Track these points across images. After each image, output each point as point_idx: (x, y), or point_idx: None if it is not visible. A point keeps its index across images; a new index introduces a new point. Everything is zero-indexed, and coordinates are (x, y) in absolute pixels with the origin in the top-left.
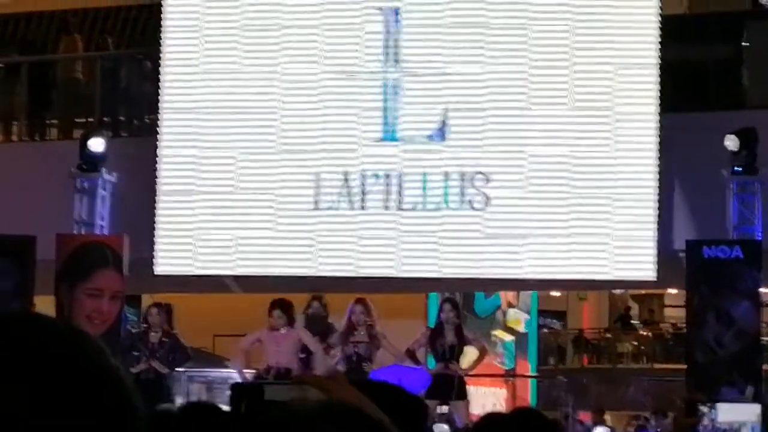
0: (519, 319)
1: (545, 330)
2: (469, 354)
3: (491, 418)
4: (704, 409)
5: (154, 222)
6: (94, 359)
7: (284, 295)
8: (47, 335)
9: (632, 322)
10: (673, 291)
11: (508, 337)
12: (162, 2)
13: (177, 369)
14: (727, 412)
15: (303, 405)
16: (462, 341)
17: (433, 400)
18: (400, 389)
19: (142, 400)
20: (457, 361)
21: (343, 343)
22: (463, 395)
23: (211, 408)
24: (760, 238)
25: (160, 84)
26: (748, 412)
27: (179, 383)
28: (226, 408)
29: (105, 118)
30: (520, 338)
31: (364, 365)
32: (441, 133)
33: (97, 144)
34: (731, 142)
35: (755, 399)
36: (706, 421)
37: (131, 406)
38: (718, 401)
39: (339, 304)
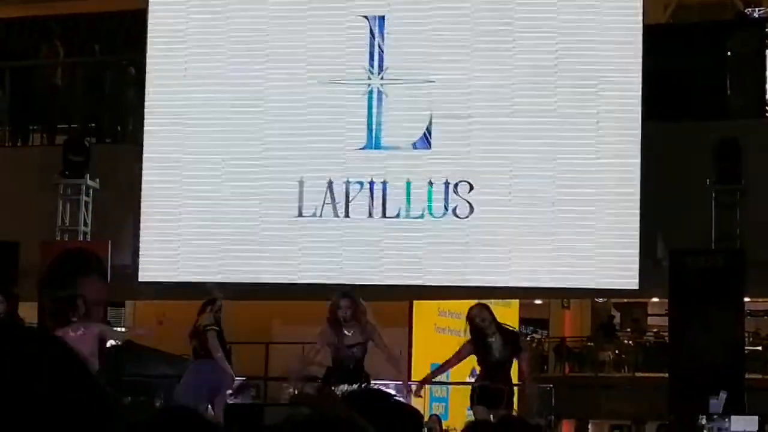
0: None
1: (527, 338)
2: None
3: (477, 427)
4: (703, 420)
5: (138, 228)
6: (69, 361)
7: (267, 302)
8: (21, 341)
9: (616, 331)
10: (656, 300)
11: None
12: (146, 9)
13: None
14: (737, 422)
15: (292, 417)
16: (514, 347)
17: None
18: (398, 402)
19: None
20: (508, 370)
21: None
22: (510, 406)
23: (187, 413)
24: (742, 248)
25: (144, 90)
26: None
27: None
28: None
29: (89, 124)
30: None
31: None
32: (425, 141)
33: (78, 150)
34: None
35: (737, 407)
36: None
37: (106, 405)
38: (702, 412)
39: (321, 312)
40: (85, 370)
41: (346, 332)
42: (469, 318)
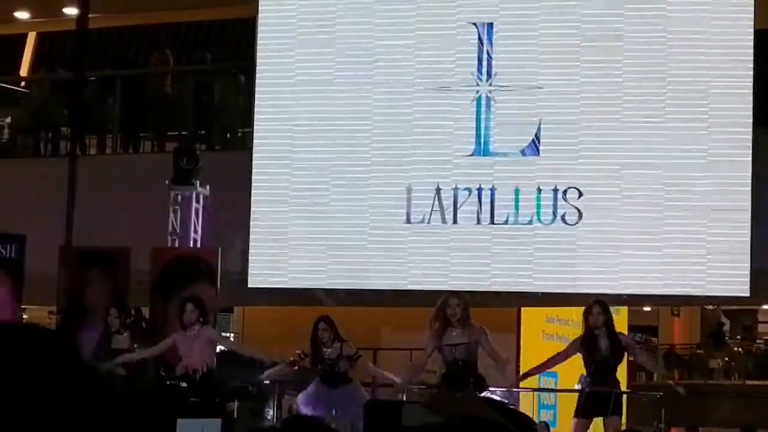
0: None
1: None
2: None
3: None
4: None
5: (248, 235)
6: (73, 362)
7: (375, 309)
8: (26, 342)
9: (726, 338)
10: (766, 307)
11: None
12: (256, 17)
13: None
14: None
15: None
16: (619, 348)
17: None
18: (510, 409)
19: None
20: (614, 373)
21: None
22: (618, 411)
23: (314, 423)
24: None
25: (253, 97)
26: None
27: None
28: None
29: (199, 131)
30: None
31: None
32: (534, 148)
33: (188, 157)
34: None
35: None
36: None
37: (110, 405)
38: None
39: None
40: (89, 370)
41: (451, 332)
42: (586, 313)
